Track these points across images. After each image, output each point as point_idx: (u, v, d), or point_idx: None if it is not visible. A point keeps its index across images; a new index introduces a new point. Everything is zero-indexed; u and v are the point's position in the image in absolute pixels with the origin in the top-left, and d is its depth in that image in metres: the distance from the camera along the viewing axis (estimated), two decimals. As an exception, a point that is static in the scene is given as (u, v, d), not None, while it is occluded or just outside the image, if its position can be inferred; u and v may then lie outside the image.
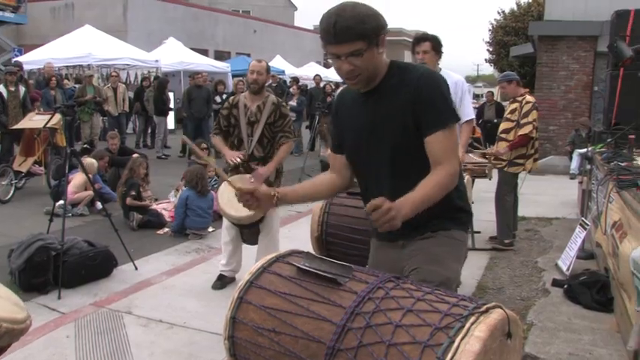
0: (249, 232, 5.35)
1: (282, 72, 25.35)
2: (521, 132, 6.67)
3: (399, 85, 2.39)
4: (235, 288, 2.06)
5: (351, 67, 2.31)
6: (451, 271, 2.46)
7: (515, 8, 29.37)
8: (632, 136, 7.07)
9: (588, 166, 7.71)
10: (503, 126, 6.98)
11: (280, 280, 1.93)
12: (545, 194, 10.28)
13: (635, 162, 5.99)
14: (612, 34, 8.52)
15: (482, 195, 7.71)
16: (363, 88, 2.45)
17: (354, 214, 2.91)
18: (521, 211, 7.69)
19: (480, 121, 16.22)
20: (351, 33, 2.25)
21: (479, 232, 7.16)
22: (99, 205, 8.06)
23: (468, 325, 1.59)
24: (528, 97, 6.87)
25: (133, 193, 7.89)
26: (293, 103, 15.96)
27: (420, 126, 2.36)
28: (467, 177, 5.42)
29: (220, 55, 28.99)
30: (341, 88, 2.90)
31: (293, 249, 2.16)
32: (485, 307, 1.66)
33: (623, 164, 5.72)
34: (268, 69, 5.36)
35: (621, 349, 4.13)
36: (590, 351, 4.22)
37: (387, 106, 2.41)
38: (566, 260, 5.90)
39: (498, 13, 30.35)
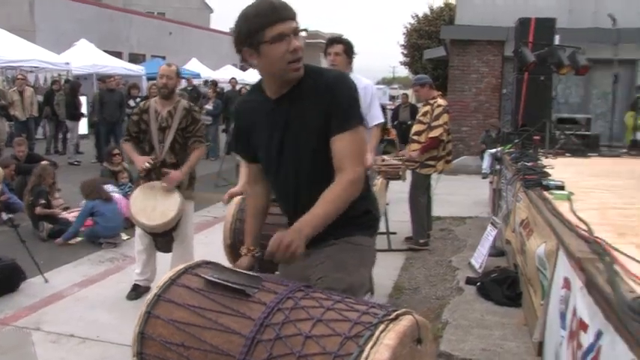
0: (162, 240, 5.24)
1: (198, 75, 25.01)
2: (432, 134, 6.85)
3: (313, 89, 2.37)
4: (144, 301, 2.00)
5: (301, 44, 2.28)
6: (355, 277, 2.44)
7: (429, 12, 30.08)
8: (537, 137, 7.39)
9: (498, 166, 7.98)
10: (415, 128, 7.14)
11: (189, 292, 1.89)
12: (459, 194, 10.57)
13: (539, 162, 6.25)
14: (517, 40, 8.90)
15: (397, 196, 7.85)
16: (282, 90, 2.40)
17: (268, 221, 2.88)
18: (436, 211, 7.88)
19: (396, 122, 16.53)
20: (290, 10, 2.27)
21: (395, 233, 7.27)
22: (4, 215, 7.69)
23: (377, 333, 1.59)
24: (440, 101, 7.04)
25: (43, 201, 7.59)
26: (209, 106, 15.75)
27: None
28: (380, 179, 5.51)
29: (135, 58, 28.30)
30: (240, 99, 2.84)
31: (202, 260, 2.12)
32: (394, 314, 1.67)
33: (529, 164, 5.96)
34: (178, 73, 5.27)
35: (528, 341, 4.27)
36: (501, 345, 4.35)
37: (301, 111, 2.38)
38: (479, 258, 6.08)
39: (412, 17, 31.03)
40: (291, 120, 2.41)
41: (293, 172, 2.46)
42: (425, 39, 28.17)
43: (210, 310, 1.81)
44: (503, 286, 5.27)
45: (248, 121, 2.59)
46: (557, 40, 9.15)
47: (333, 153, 2.35)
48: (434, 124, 6.85)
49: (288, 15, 2.26)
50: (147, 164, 5.03)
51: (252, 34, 2.26)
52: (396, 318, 1.65)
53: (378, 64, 64.41)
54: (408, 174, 7.29)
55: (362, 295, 2.55)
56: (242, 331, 1.72)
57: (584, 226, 3.33)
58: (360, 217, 2.51)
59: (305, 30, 2.36)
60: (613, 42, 9.38)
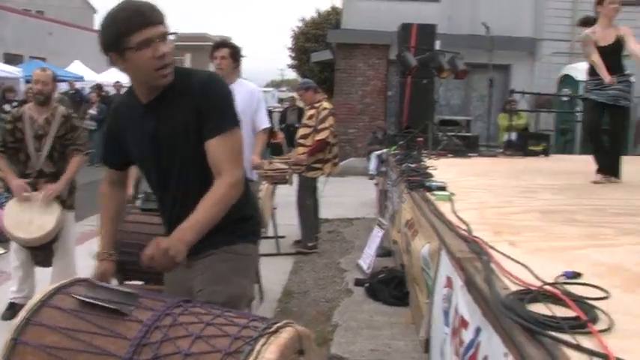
0: (41, 254, 4.95)
1: (81, 78, 23.99)
2: (319, 137, 6.92)
3: (183, 92, 2.30)
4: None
5: (169, 50, 2.19)
6: (235, 288, 2.41)
7: (316, 16, 30.37)
8: (421, 139, 7.63)
9: (384, 168, 8.18)
10: (301, 132, 7.20)
11: (61, 314, 1.78)
12: (346, 195, 10.72)
13: (423, 163, 6.45)
14: (400, 44, 9.18)
15: (285, 200, 7.86)
16: (152, 94, 2.32)
17: (150, 231, 2.79)
18: (324, 213, 7.94)
19: (283, 125, 16.59)
20: (158, 14, 2.18)
21: (283, 237, 7.29)
22: None
23: (257, 347, 1.57)
24: (325, 104, 7.13)
25: None
26: (93, 111, 15.16)
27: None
28: (267, 184, 5.49)
29: (11, 59, 26.67)
30: (115, 102, 2.73)
31: (76, 277, 2.01)
32: (275, 326, 1.65)
33: (412, 166, 6.13)
34: (54, 78, 5.03)
35: (416, 339, 4.37)
36: (390, 345, 4.43)
37: (173, 116, 2.31)
38: (367, 259, 6.18)
39: (300, 20, 31.25)
40: (163, 125, 2.33)
41: (170, 178, 2.39)
42: (312, 42, 28.40)
43: (85, 332, 1.71)
44: (391, 286, 5.39)
45: (120, 127, 2.48)
46: (437, 45, 9.53)
47: (209, 157, 2.28)
48: (320, 127, 6.93)
49: (156, 19, 2.17)
50: (24, 194, 4.78)
51: (117, 40, 2.16)
52: (277, 331, 1.63)
53: (266, 66, 64.50)
54: (295, 178, 7.33)
55: (244, 306, 2.51)
56: (118, 353, 1.64)
57: (464, 226, 3.45)
58: (241, 223, 2.47)
59: (174, 33, 2.28)
60: (488, 48, 9.90)
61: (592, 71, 5.83)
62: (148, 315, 1.71)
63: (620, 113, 5.91)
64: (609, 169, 5.80)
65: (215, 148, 2.28)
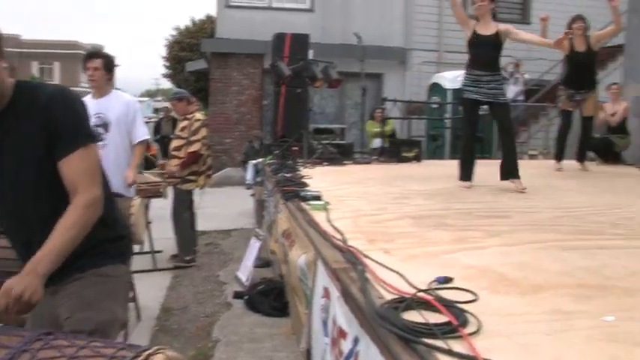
0: None
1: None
2: (191, 149, 6.82)
3: (28, 109, 2.12)
4: None
5: None
6: (106, 314, 2.27)
7: (191, 25, 29.94)
8: (296, 148, 7.68)
9: (260, 178, 8.16)
10: (174, 143, 7.05)
11: None
12: (224, 206, 10.61)
13: (298, 172, 6.48)
14: (273, 54, 9.22)
15: (160, 213, 7.61)
16: None
17: (7, 256, 2.58)
18: (201, 225, 7.81)
19: (158, 136, 16.18)
20: None
21: (160, 252, 7.09)
22: None
23: (126, 378, 1.48)
24: (197, 115, 7.04)
25: None
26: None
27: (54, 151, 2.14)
28: (139, 199, 5.31)
29: None
30: None
31: None
32: (145, 354, 1.55)
33: (288, 175, 6.14)
34: None
35: (297, 350, 4.34)
36: (272, 357, 4.41)
37: (16, 136, 2.13)
38: (245, 271, 6.12)
39: (174, 29, 30.70)
40: (7, 144, 2.14)
41: (19, 204, 2.21)
42: (187, 51, 27.99)
43: None
44: (270, 298, 5.37)
45: None
46: (311, 54, 9.63)
47: (64, 177, 2.13)
48: (192, 138, 6.83)
49: None
50: None
51: None
52: (146, 359, 1.54)
53: (141, 76, 63.01)
54: (170, 190, 7.16)
55: (117, 331, 2.37)
56: (-33, 399, 1.48)
57: (339, 236, 3.47)
58: (109, 243, 2.34)
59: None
60: (360, 58, 10.15)
61: (468, 65, 5.83)
62: (1, 354, 1.56)
63: (504, 108, 5.79)
64: (507, 171, 5.73)
65: (69, 167, 2.13)
